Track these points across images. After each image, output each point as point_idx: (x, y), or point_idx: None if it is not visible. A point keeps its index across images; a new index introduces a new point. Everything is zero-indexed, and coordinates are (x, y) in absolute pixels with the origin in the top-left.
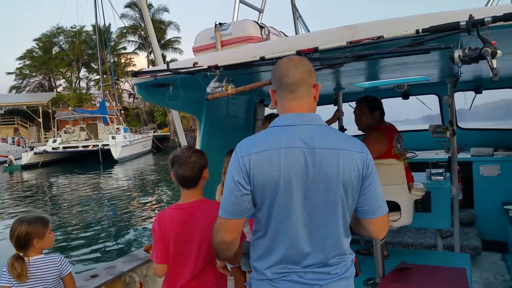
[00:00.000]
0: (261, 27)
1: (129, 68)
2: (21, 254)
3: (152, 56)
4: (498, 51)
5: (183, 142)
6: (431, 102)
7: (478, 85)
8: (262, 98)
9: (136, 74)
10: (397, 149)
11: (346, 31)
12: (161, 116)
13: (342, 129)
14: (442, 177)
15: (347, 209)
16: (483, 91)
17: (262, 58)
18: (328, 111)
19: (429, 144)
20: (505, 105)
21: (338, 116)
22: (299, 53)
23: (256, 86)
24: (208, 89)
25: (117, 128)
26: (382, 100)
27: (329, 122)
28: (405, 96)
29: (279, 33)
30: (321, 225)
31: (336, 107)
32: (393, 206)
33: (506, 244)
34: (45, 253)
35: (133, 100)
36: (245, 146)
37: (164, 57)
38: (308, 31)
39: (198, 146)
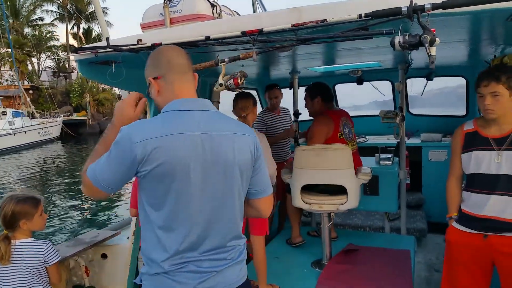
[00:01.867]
0: (213, 5)
1: (52, 43)
2: (8, 234)
3: (76, 29)
4: (436, 38)
5: None
6: (385, 88)
7: (429, 72)
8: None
9: (76, 50)
10: (343, 134)
11: (292, 14)
12: (78, 97)
13: (297, 113)
14: (390, 162)
15: (242, 192)
16: (434, 79)
17: (207, 38)
18: (285, 94)
19: (381, 129)
20: (454, 92)
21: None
22: (244, 34)
23: (202, 67)
24: None
25: (1, 112)
26: (338, 86)
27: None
28: (360, 81)
29: (232, 12)
30: (220, 209)
31: (291, 91)
32: (340, 190)
33: None
34: (34, 238)
35: (57, 79)
36: (139, 131)
37: (90, 31)
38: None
39: None
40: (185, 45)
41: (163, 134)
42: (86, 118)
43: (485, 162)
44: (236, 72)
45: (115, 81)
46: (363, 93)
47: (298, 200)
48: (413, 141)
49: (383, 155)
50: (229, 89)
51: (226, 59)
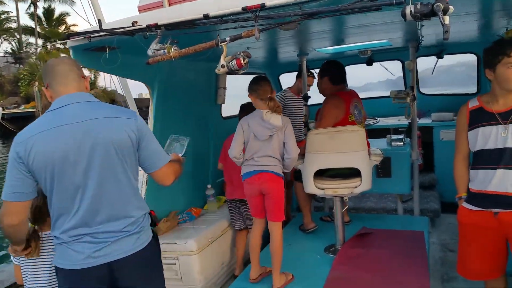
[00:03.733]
0: None
1: (8, 25)
2: (36, 227)
3: (33, 9)
4: (450, 6)
5: None
6: (395, 67)
7: (440, 50)
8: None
9: (69, 36)
10: (354, 116)
11: None
12: (27, 86)
13: (306, 97)
14: (402, 143)
15: (127, 168)
16: (445, 56)
17: (206, 16)
18: (292, 78)
19: (392, 111)
20: (465, 71)
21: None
22: (245, 9)
23: (201, 48)
24: (149, 52)
25: None
26: (347, 67)
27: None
28: (369, 62)
29: None
30: (104, 187)
31: (298, 74)
32: (353, 173)
33: None
34: None
35: (19, 66)
36: (21, 133)
37: (51, 10)
38: None
39: (151, 117)
40: (183, 25)
41: (40, 131)
42: (35, 110)
43: (492, 137)
44: (238, 52)
45: (110, 68)
46: (372, 75)
47: (311, 186)
48: (424, 121)
49: (394, 136)
50: (231, 71)
51: (227, 39)
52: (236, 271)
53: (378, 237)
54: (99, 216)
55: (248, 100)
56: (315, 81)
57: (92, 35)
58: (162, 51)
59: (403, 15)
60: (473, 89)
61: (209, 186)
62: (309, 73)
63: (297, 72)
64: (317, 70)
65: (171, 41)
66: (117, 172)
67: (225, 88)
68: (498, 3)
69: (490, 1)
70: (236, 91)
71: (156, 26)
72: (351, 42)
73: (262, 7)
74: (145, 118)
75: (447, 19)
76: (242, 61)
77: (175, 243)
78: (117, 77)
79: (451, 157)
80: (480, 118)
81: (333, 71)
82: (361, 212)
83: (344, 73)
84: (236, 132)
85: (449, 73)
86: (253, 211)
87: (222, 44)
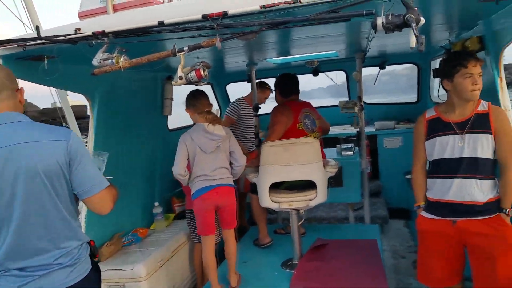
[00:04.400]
0: None
1: None
2: None
3: None
4: (421, 18)
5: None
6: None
7: (382, 61)
8: (170, 75)
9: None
10: (303, 125)
11: None
12: None
13: (256, 107)
14: (352, 152)
15: (58, 197)
16: (387, 67)
17: (161, 23)
18: (243, 87)
19: (338, 119)
20: (406, 80)
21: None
22: (205, 17)
23: (156, 58)
24: (95, 61)
25: None
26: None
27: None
28: (315, 72)
29: None
30: (32, 217)
31: (250, 84)
32: (308, 185)
33: (408, 211)
34: None
35: None
36: None
37: None
38: None
39: (91, 132)
40: (135, 33)
41: None
42: None
43: (449, 146)
44: (197, 63)
45: (49, 79)
46: (314, 82)
47: (266, 200)
48: (368, 129)
49: (344, 146)
50: (190, 82)
51: (186, 48)
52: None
53: (333, 248)
54: (26, 250)
55: None
56: (271, 94)
57: (28, 43)
58: (109, 60)
59: (374, 27)
60: (413, 98)
61: (156, 204)
62: (267, 86)
63: (257, 82)
64: (268, 81)
65: (119, 50)
66: (44, 202)
67: (171, 99)
68: (439, 16)
69: (429, 14)
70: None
71: (103, 34)
72: (300, 53)
73: (225, 15)
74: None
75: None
76: (202, 72)
77: (121, 269)
78: (56, 89)
79: (394, 164)
80: (437, 128)
81: (282, 85)
82: (313, 222)
83: (294, 85)
84: (178, 148)
85: (391, 82)
86: (204, 228)
87: (179, 54)
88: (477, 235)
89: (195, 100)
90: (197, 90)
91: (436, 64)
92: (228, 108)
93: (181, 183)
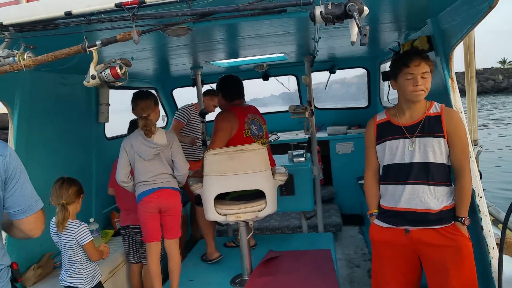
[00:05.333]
0: None
1: None
2: (66, 205)
3: None
4: (365, 7)
5: None
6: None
7: (332, 65)
8: None
9: None
10: (250, 131)
11: None
12: None
13: (203, 113)
14: (304, 158)
15: None
16: (337, 71)
17: (69, 14)
18: (188, 91)
19: (290, 125)
20: (357, 84)
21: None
22: (119, 6)
23: (64, 55)
24: None
25: None
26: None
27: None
28: (265, 77)
29: None
30: None
31: (195, 88)
32: (257, 194)
33: (362, 217)
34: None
35: None
36: None
37: None
38: None
39: (11, 143)
40: (40, 25)
41: None
42: None
43: (399, 151)
44: (114, 60)
45: None
46: (266, 89)
47: (212, 213)
48: (320, 135)
49: (295, 152)
50: (105, 83)
51: (98, 43)
52: None
53: (286, 260)
54: None
55: None
56: None
57: None
58: (10, 58)
59: (312, 18)
60: (364, 103)
61: (91, 220)
62: (216, 93)
63: (206, 90)
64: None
65: (26, 47)
66: None
67: (108, 105)
68: (386, 16)
69: (376, 13)
70: (126, 106)
71: (2, 27)
72: (247, 55)
73: (141, 3)
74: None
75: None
76: (118, 70)
77: None
78: None
79: (347, 170)
80: (387, 131)
81: (225, 87)
82: (265, 232)
83: (239, 88)
84: (120, 155)
85: (342, 88)
86: (149, 235)
87: (91, 49)
88: (431, 246)
89: (133, 103)
90: (140, 91)
91: (386, 67)
92: (177, 112)
93: (115, 197)
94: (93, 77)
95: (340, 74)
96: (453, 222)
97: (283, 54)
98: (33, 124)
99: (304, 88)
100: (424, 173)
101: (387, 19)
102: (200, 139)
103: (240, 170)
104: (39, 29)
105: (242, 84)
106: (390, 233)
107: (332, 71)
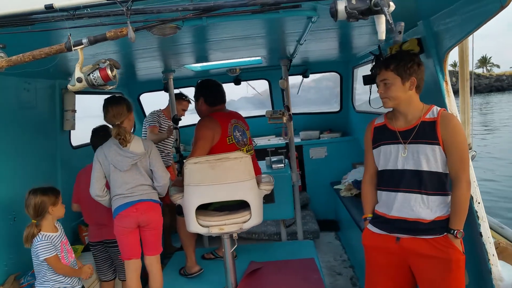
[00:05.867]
0: None
1: None
2: (37, 224)
3: None
4: (391, 3)
5: None
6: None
7: (305, 69)
8: None
9: None
10: (234, 138)
11: None
12: None
13: (176, 119)
14: (283, 165)
15: None
16: (310, 75)
17: (50, 8)
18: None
19: (263, 130)
20: (330, 88)
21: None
22: None
23: (43, 55)
24: None
25: None
26: None
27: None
28: (237, 81)
29: None
30: None
31: (167, 94)
32: (243, 204)
33: (337, 222)
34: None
35: None
36: None
37: None
38: None
39: None
40: (15, 21)
41: None
42: None
43: (393, 156)
44: (103, 60)
45: None
46: (236, 93)
47: (193, 224)
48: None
49: (274, 158)
50: (92, 86)
51: (85, 41)
52: None
53: (270, 271)
54: None
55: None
56: (190, 105)
57: None
58: None
59: (334, 13)
60: (336, 107)
61: None
62: (184, 97)
63: (174, 94)
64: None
65: None
66: None
67: (74, 111)
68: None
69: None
70: (94, 111)
71: None
72: (223, 58)
73: None
74: None
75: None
76: (109, 72)
77: None
78: None
79: (320, 175)
80: (383, 136)
81: (208, 91)
82: (242, 235)
83: (222, 92)
84: (93, 167)
85: (314, 90)
86: (127, 252)
87: (76, 48)
88: (420, 257)
89: (104, 110)
90: (111, 97)
91: (361, 72)
92: (148, 118)
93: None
94: (79, 80)
95: (311, 79)
96: (445, 234)
97: (259, 58)
98: None
99: (276, 92)
100: (416, 181)
101: (368, 21)
102: (172, 146)
103: (222, 179)
104: (14, 24)
105: (223, 88)
106: (382, 239)
107: (305, 75)
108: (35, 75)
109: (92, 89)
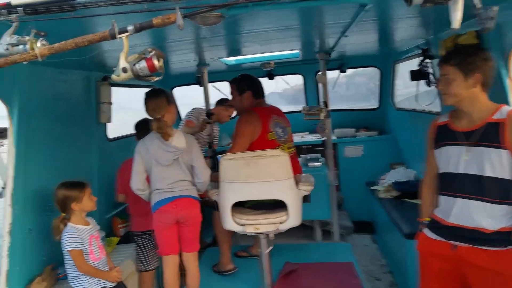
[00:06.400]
0: None
1: None
2: (65, 217)
3: None
4: None
5: None
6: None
7: (342, 64)
8: (106, 75)
9: None
10: (276, 134)
11: None
12: None
13: (209, 114)
14: (320, 163)
15: None
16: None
17: None
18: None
19: (294, 127)
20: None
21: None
22: None
23: (85, 42)
24: (0, 48)
25: None
26: None
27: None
28: (271, 76)
29: None
30: None
31: (202, 88)
32: (279, 204)
33: (372, 224)
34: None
35: None
36: None
37: None
38: None
39: (11, 145)
40: (56, 7)
41: None
42: None
43: (454, 159)
44: (149, 49)
45: None
46: (267, 89)
47: (229, 222)
48: None
49: (310, 156)
50: (138, 77)
51: (130, 28)
52: None
53: (306, 273)
54: None
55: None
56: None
57: None
58: (21, 46)
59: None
60: (374, 104)
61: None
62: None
63: (218, 100)
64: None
65: (36, 33)
66: None
67: (110, 103)
68: (412, 9)
69: (394, 8)
70: (132, 103)
71: (9, 8)
72: (259, 51)
73: None
74: None
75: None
76: (156, 62)
77: None
78: None
79: (355, 175)
80: (445, 136)
81: (254, 83)
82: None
83: (262, 86)
84: (134, 160)
85: (346, 86)
86: (166, 247)
87: (121, 35)
88: (478, 269)
89: (145, 104)
90: (150, 90)
91: (402, 67)
92: (188, 112)
93: (127, 202)
94: (124, 70)
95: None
96: (509, 247)
97: (297, 51)
98: (32, 123)
99: (310, 88)
100: (478, 187)
101: (416, 12)
102: (207, 142)
103: (257, 177)
104: (55, 11)
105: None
106: (438, 245)
107: (342, 70)
108: (70, 67)
109: (137, 79)
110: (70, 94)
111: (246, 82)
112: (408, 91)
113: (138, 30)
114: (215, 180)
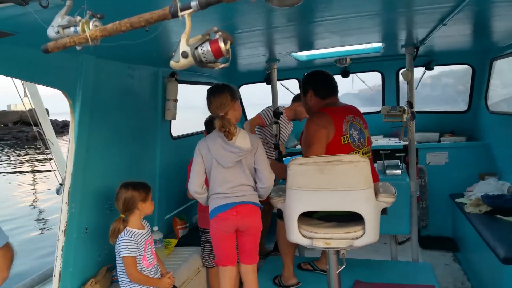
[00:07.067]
0: None
1: None
2: (125, 218)
3: None
4: None
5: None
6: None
7: (429, 60)
8: (174, 72)
9: None
10: (350, 137)
11: None
12: None
13: (277, 113)
14: (400, 171)
15: None
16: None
17: None
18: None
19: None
20: (453, 84)
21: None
22: None
23: (142, 22)
24: (50, 31)
25: None
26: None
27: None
28: (345, 74)
29: None
30: None
31: (270, 86)
32: (355, 216)
33: (454, 241)
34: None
35: None
36: None
37: None
38: None
39: (71, 140)
40: None
41: None
42: None
43: None
44: (214, 29)
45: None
46: (341, 90)
47: (294, 234)
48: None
49: (388, 162)
50: (200, 63)
51: (194, 3)
52: None
53: None
54: None
55: None
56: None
57: None
58: (72, 29)
59: None
60: (463, 106)
61: (155, 228)
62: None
63: (296, 95)
64: (286, 83)
65: (91, 15)
66: None
67: (176, 101)
68: None
69: None
70: (196, 102)
71: None
72: (338, 44)
73: None
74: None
75: None
76: (222, 45)
77: None
78: (22, 82)
79: (438, 185)
80: None
81: (317, 81)
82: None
83: (333, 82)
84: (194, 160)
85: (431, 88)
86: (223, 258)
87: (183, 13)
88: None
89: (208, 100)
90: (213, 86)
91: (501, 64)
92: (264, 109)
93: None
94: (184, 54)
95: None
96: None
97: (379, 45)
98: (95, 119)
99: (389, 87)
100: None
101: None
102: (272, 143)
103: (331, 186)
104: None
105: (334, 79)
106: None
107: (429, 68)
108: (138, 62)
109: (199, 67)
110: (137, 89)
111: (308, 80)
112: (508, 91)
113: (203, 6)
114: (280, 174)
